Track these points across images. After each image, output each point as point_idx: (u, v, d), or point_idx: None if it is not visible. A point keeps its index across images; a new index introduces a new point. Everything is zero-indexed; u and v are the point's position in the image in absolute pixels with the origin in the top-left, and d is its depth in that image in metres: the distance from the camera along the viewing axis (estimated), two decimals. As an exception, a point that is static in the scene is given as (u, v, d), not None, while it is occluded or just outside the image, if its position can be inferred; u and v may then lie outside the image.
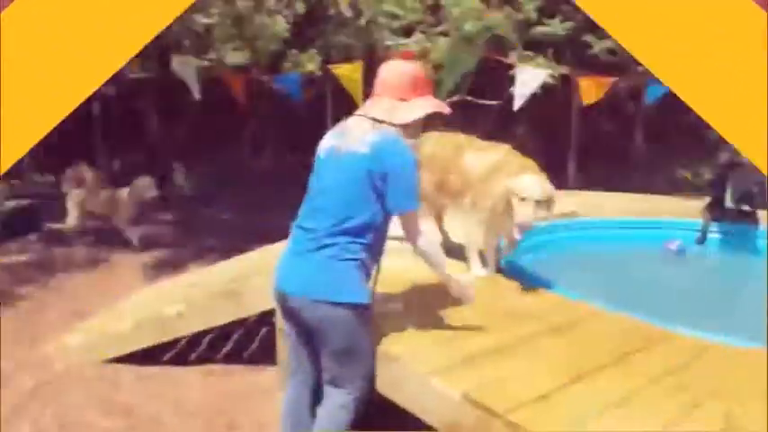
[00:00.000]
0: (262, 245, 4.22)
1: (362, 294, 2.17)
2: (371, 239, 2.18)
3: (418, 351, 2.39)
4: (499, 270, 3.44)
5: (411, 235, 2.23)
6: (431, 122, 2.34)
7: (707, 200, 5.15)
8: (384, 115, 2.18)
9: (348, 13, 5.81)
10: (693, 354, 2.46)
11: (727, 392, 2.16)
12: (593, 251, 4.44)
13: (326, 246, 2.12)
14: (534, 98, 5.97)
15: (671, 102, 6.37)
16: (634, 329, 2.66)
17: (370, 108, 2.22)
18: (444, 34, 5.71)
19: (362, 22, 5.84)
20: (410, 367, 2.29)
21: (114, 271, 5.02)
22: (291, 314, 2.23)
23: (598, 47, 5.91)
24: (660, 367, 2.33)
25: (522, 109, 6.11)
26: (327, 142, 2.24)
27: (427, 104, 2.23)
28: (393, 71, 2.24)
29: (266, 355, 3.33)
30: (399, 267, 2.87)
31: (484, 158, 3.18)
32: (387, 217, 2.21)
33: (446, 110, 2.29)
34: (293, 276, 2.18)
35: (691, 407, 2.06)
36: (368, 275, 2.25)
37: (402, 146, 2.15)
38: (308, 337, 2.23)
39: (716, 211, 4.70)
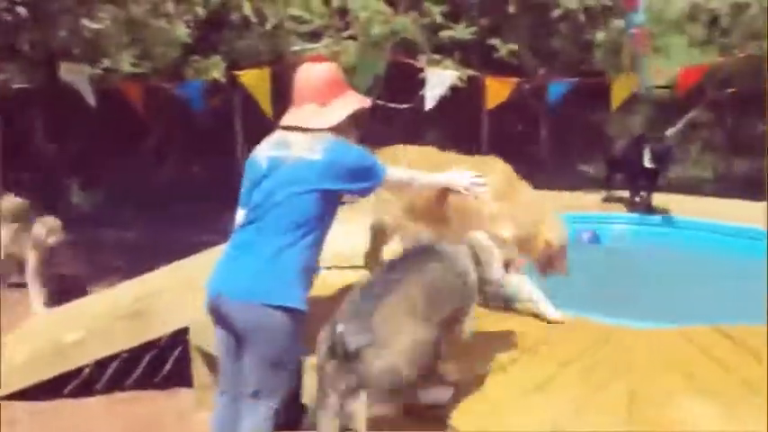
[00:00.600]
0: (170, 262, 3.98)
1: (299, 300, 2.13)
2: (313, 244, 2.18)
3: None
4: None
5: (398, 186, 2.56)
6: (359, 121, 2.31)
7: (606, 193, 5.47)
8: (312, 122, 2.21)
9: (253, 17, 5.65)
10: (601, 338, 2.56)
11: (632, 372, 2.26)
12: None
13: (266, 249, 2.11)
14: (445, 100, 6.09)
15: (573, 100, 6.79)
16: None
17: (294, 118, 2.25)
18: (353, 38, 5.69)
19: (268, 26, 5.69)
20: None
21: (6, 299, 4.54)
22: (224, 321, 2.17)
23: (503, 50, 6.10)
24: (570, 353, 2.41)
25: (433, 111, 6.21)
26: (266, 153, 2.24)
27: (349, 102, 2.28)
28: (309, 77, 2.27)
29: (181, 377, 3.14)
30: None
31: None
32: (328, 223, 2.25)
33: (367, 103, 2.34)
34: (229, 280, 2.15)
35: (598, 388, 2.16)
36: (309, 282, 2.22)
37: (344, 140, 2.22)
38: (242, 347, 2.17)
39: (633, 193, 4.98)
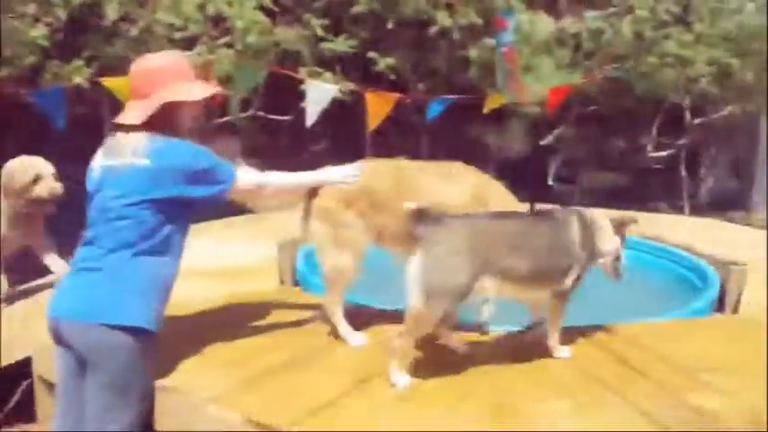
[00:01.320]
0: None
1: (144, 318, 1.99)
2: (158, 258, 2.04)
3: (197, 378, 2.18)
4: (297, 282, 3.36)
5: (254, 191, 2.27)
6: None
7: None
8: (127, 118, 2.07)
9: (113, 20, 5.29)
10: (468, 347, 2.56)
11: (496, 380, 2.29)
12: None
13: (104, 267, 1.98)
14: (330, 114, 6.05)
15: (454, 117, 7.02)
16: None
17: (123, 117, 2.10)
18: (229, 46, 5.50)
19: (135, 31, 5.37)
20: (186, 397, 2.07)
21: None
22: (65, 344, 2.02)
23: (381, 63, 6.19)
24: (438, 363, 2.41)
25: (320, 124, 6.15)
26: (99, 162, 2.11)
27: (174, 94, 2.08)
28: (135, 71, 2.13)
29: (22, 412, 2.82)
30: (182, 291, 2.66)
31: (458, 188, 2.64)
32: (177, 233, 2.09)
33: (196, 96, 2.14)
34: (66, 300, 2.01)
35: (461, 398, 2.16)
36: (160, 299, 2.08)
37: (176, 141, 2.06)
38: (85, 370, 2.02)
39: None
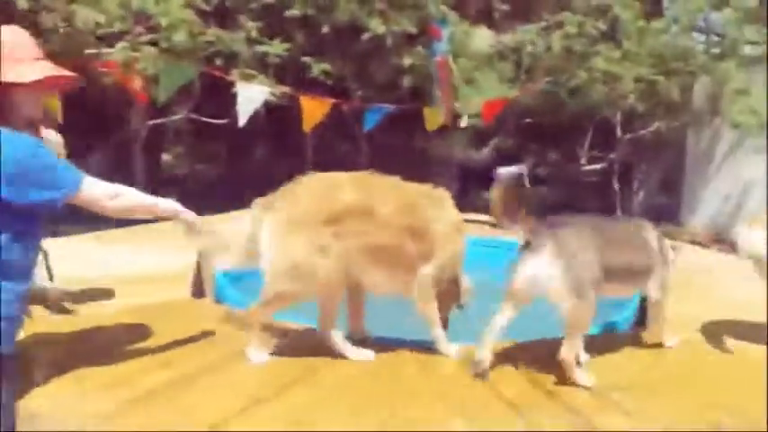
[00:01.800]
0: None
1: None
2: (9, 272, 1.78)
3: (72, 402, 1.99)
4: (199, 293, 3.19)
5: (101, 204, 1.95)
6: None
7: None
8: None
9: (29, 11, 4.99)
10: (380, 362, 2.45)
11: (397, 395, 2.19)
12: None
13: None
14: (272, 116, 5.95)
15: (396, 125, 6.99)
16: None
17: None
18: (153, 44, 5.28)
19: (50, 23, 5.07)
20: (58, 423, 1.88)
21: None
22: None
23: (316, 69, 6.10)
24: (341, 378, 2.30)
25: (262, 127, 6.04)
26: None
27: (2, 73, 1.79)
28: None
29: None
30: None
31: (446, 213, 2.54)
32: (17, 245, 1.80)
33: (26, 78, 1.83)
34: None
35: (354, 413, 2.05)
36: (13, 317, 1.82)
37: (9, 133, 1.77)
38: None
39: None
